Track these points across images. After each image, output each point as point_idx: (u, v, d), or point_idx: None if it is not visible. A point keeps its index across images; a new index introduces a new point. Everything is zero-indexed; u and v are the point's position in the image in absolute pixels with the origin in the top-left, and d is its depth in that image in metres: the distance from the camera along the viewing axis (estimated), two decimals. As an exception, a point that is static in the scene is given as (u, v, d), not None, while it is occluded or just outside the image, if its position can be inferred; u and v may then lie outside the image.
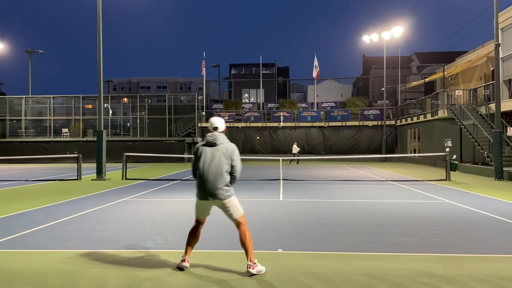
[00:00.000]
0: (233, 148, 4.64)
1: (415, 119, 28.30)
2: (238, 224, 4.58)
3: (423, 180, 15.54)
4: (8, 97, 35.98)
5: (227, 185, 4.52)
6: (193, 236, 4.74)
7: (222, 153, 4.53)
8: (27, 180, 16.14)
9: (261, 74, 41.78)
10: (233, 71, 57.66)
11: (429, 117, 25.48)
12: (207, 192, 4.51)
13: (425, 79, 34.74)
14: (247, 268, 4.45)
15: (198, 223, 4.79)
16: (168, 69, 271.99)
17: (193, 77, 67.48)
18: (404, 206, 9.39)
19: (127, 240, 6.14)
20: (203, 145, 4.65)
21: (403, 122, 31.18)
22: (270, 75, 53.46)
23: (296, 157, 26.64)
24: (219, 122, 4.72)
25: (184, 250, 4.74)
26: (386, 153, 30.83)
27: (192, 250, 4.77)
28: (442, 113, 23.10)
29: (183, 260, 4.66)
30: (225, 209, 4.56)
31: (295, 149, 27.90)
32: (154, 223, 7.40)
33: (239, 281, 4.29)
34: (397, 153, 31.43)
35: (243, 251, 4.52)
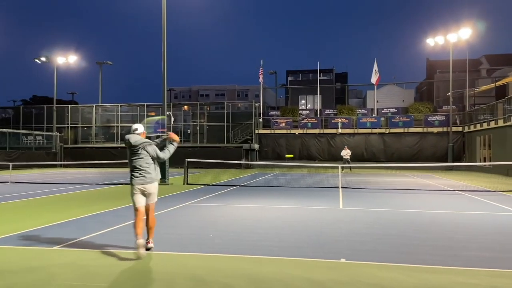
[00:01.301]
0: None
1: (485, 126, 26.54)
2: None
3: (495, 191, 14.50)
4: (80, 106, 38.72)
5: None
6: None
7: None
8: (98, 184, 17.19)
9: (319, 80, 41.41)
10: (290, 78, 57.72)
11: (501, 123, 23.78)
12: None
13: (496, 83, 32.53)
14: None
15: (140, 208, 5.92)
16: (226, 77, 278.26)
17: (251, 84, 68.39)
18: (476, 218, 8.82)
19: (191, 243, 6.33)
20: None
21: (472, 128, 29.37)
22: (327, 81, 52.86)
23: (348, 165, 25.24)
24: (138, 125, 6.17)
25: None
26: (452, 161, 29.15)
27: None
28: (516, 119, 21.46)
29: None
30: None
31: (346, 154, 26.25)
32: (216, 228, 7.57)
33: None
34: (465, 162, 29.59)
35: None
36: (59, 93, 57.17)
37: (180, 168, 20.55)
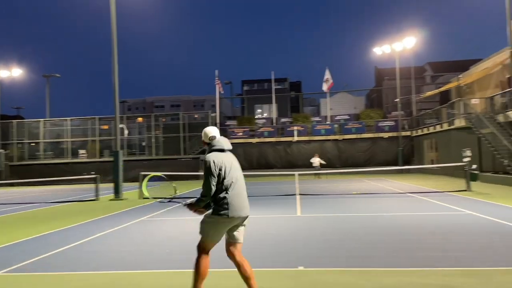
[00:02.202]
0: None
1: (431, 129, 27.92)
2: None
3: (443, 191, 15.22)
4: (27, 121, 36.80)
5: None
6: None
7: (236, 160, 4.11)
8: (46, 202, 16.33)
9: (273, 89, 41.95)
10: (245, 87, 58.08)
11: (445, 127, 25.11)
12: (245, 206, 3.96)
13: (440, 89, 34.40)
14: None
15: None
16: (181, 88, 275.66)
17: (206, 94, 68.08)
18: (426, 219, 9.18)
19: (146, 260, 6.11)
20: (220, 150, 4.01)
21: (419, 132, 30.79)
22: (282, 90, 53.66)
23: (319, 171, 25.36)
24: (216, 131, 4.20)
25: None
26: (402, 165, 30.38)
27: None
28: (458, 123, 22.74)
29: None
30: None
31: (317, 161, 26.37)
32: (173, 243, 7.37)
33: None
34: (414, 165, 30.94)
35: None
36: (3, 108, 54.18)
37: (136, 182, 19.96)
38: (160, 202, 4.74)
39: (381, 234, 7.57)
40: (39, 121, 35.53)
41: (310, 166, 27.09)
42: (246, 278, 3.93)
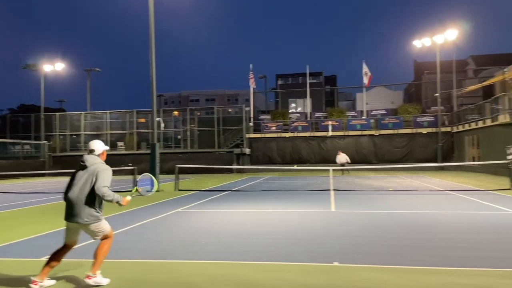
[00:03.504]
0: (103, 168, 4.56)
1: (473, 125, 26.82)
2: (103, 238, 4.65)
3: (484, 190, 14.62)
4: (68, 114, 38.33)
5: (91, 209, 4.44)
6: (56, 257, 4.54)
7: (90, 174, 4.50)
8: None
9: (308, 83, 41.55)
10: (279, 82, 57.91)
11: (488, 123, 24.05)
12: (72, 214, 4.45)
13: (483, 83, 32.95)
14: (85, 277, 4.52)
15: (65, 246, 4.60)
16: (216, 82, 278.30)
17: (240, 89, 68.40)
18: (467, 218, 8.87)
19: (183, 250, 6.26)
20: (77, 169, 4.68)
21: (460, 128, 29.66)
22: (317, 84, 53.11)
23: (344, 167, 24.98)
24: (95, 144, 4.78)
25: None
26: (442, 162, 29.39)
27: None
28: (503, 119, 21.71)
29: (33, 282, 4.38)
30: (90, 233, 4.59)
31: (343, 159, 25.95)
32: (208, 234, 7.49)
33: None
34: (454, 162, 29.86)
35: None
36: (47, 101, 56.71)
37: (171, 174, 20.39)
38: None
39: (417, 232, 7.39)
40: (80, 114, 36.91)
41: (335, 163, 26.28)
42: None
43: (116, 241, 6.93)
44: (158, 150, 17.54)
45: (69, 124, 36.66)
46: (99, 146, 4.80)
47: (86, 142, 35.70)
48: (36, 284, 4.37)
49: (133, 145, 34.60)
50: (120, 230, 7.96)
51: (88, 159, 4.62)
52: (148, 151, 19.46)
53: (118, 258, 5.83)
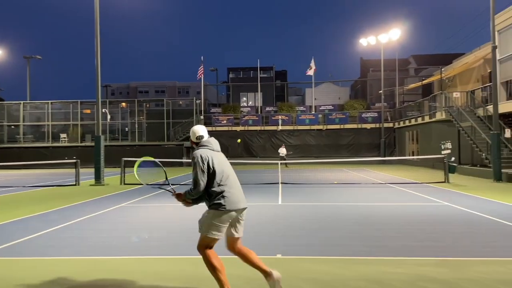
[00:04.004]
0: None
1: (413, 122, 28.32)
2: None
3: (422, 183, 15.52)
4: (6, 103, 35.92)
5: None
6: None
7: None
8: (25, 186, 16.07)
9: (259, 77, 41.81)
10: (231, 75, 57.68)
11: (427, 119, 25.50)
12: (240, 199, 3.90)
13: (423, 81, 34.82)
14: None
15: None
16: (166, 74, 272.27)
17: (191, 81, 67.40)
18: (404, 209, 9.37)
19: (125, 246, 6.10)
20: (212, 150, 4.00)
21: (401, 124, 31.21)
22: (268, 78, 53.46)
23: (284, 161, 26.45)
24: (204, 130, 4.21)
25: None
26: (384, 156, 30.81)
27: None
28: (440, 115, 23.12)
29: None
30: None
31: (284, 151, 27.54)
32: (153, 229, 7.36)
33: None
34: (396, 156, 31.42)
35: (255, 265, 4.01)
36: (-20, 89, 52.65)
37: (117, 167, 19.76)
38: (152, 187, 4.57)
39: (358, 223, 7.70)
40: (19, 103, 34.74)
41: (278, 155, 27.76)
42: (253, 265, 3.97)
43: (53, 238, 6.67)
44: (103, 143, 16.92)
45: (6, 114, 34.39)
46: (205, 131, 4.20)
47: (26, 134, 33.94)
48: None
49: (77, 137, 33.13)
50: (58, 226, 7.62)
51: (215, 144, 4.07)
52: (93, 144, 18.71)
53: (54, 256, 5.58)
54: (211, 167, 3.84)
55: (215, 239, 3.84)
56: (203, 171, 3.81)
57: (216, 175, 3.84)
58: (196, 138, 4.11)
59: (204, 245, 3.85)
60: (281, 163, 25.82)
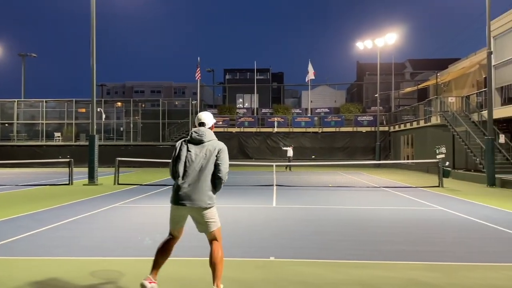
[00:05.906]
0: (221, 146, 3.93)
1: (408, 126, 28.42)
2: (212, 240, 3.91)
3: (416, 187, 15.56)
4: (0, 101, 35.67)
5: (211, 191, 3.81)
6: (163, 252, 3.98)
7: (209, 151, 3.83)
8: (18, 185, 15.94)
9: (256, 79, 41.84)
10: (227, 76, 57.68)
11: (422, 123, 25.60)
12: (186, 196, 3.74)
13: (418, 86, 34.96)
14: None
15: (171, 237, 4.01)
16: (162, 74, 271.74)
17: (188, 82, 67.30)
18: (397, 213, 9.37)
19: (117, 247, 6.05)
20: (187, 141, 3.92)
21: (397, 128, 31.31)
22: (264, 80, 53.55)
23: (289, 163, 25.45)
24: (206, 116, 4.08)
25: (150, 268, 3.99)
26: (379, 159, 30.89)
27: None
28: (435, 120, 23.22)
29: (147, 279, 3.86)
30: (203, 220, 3.83)
31: (290, 153, 26.16)
32: (146, 230, 7.31)
33: (230, 290, 4.22)
34: (391, 159, 31.50)
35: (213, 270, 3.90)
36: (-25, 86, 52.31)
37: (111, 167, 19.67)
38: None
39: (351, 227, 7.69)
40: (14, 101, 34.51)
41: (285, 156, 26.70)
42: (160, 265, 4.03)
43: (44, 238, 6.61)
44: (97, 142, 16.82)
45: (0, 111, 34.16)
46: (210, 118, 4.09)
47: (19, 132, 33.69)
48: (150, 283, 3.83)
49: (72, 136, 32.95)
50: (50, 226, 7.56)
51: (206, 132, 3.91)
52: (88, 143, 18.61)
53: (47, 255, 5.52)
54: (176, 158, 3.87)
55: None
56: (173, 160, 3.90)
57: (178, 168, 3.82)
58: (194, 125, 4.13)
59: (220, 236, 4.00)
60: (285, 166, 25.12)
